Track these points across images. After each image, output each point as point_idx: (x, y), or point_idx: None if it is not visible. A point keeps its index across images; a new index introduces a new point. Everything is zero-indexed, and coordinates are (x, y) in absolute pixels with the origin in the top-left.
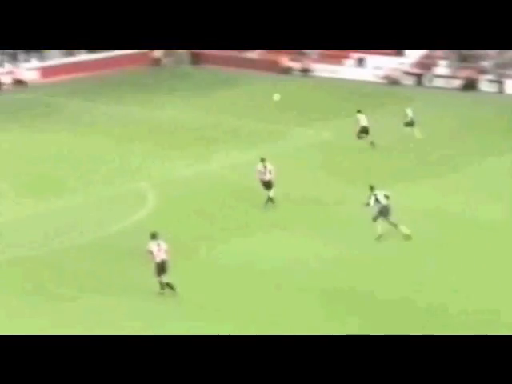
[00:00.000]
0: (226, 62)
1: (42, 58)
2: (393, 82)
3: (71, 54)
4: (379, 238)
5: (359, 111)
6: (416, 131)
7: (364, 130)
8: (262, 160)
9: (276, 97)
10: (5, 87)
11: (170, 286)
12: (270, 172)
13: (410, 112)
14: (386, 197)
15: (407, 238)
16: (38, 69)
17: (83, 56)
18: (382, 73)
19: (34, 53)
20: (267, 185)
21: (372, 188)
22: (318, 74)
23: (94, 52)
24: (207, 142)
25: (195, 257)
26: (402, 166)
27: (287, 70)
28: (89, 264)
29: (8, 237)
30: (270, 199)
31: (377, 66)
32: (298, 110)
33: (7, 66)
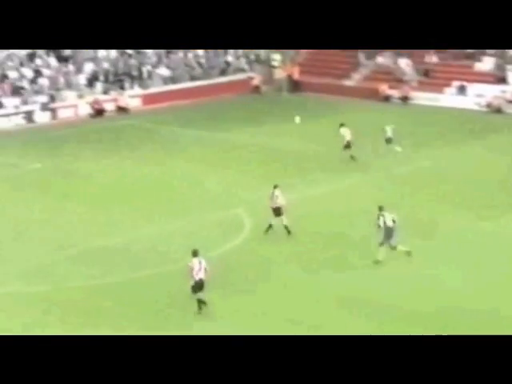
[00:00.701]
0: (325, 89)
1: (144, 86)
2: (495, 110)
3: (173, 82)
4: (377, 262)
5: (342, 125)
6: (396, 147)
7: (348, 145)
8: (275, 186)
9: (297, 120)
10: (108, 114)
11: (202, 302)
12: (277, 198)
13: (389, 130)
14: (393, 220)
15: (408, 254)
16: (140, 96)
17: (184, 84)
18: (483, 101)
19: (137, 80)
20: (276, 211)
21: (381, 208)
22: (417, 101)
23: (195, 80)
24: (304, 169)
25: (290, 284)
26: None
27: (386, 98)
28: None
29: (120, 258)
30: (273, 226)
31: (478, 93)
32: (397, 137)
33: (112, 94)
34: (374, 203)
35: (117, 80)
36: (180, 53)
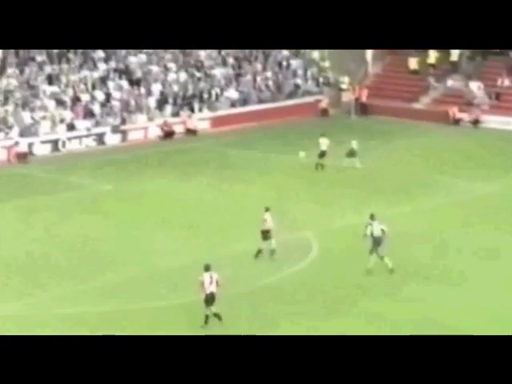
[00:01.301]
0: (394, 112)
1: (213, 108)
2: None
3: (241, 104)
4: (368, 272)
5: (322, 135)
6: (357, 162)
7: (322, 154)
8: (266, 209)
9: (301, 154)
10: (177, 136)
11: (217, 316)
12: (265, 222)
13: (354, 144)
14: (382, 231)
15: (391, 271)
16: (209, 118)
17: (252, 106)
18: None
19: (206, 103)
20: (264, 235)
21: (372, 217)
22: (488, 125)
23: (264, 102)
24: (375, 192)
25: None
26: None
27: (456, 121)
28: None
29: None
30: (260, 251)
31: None
32: (467, 162)
33: (181, 116)
34: (436, 227)
35: (186, 102)
36: (249, 75)
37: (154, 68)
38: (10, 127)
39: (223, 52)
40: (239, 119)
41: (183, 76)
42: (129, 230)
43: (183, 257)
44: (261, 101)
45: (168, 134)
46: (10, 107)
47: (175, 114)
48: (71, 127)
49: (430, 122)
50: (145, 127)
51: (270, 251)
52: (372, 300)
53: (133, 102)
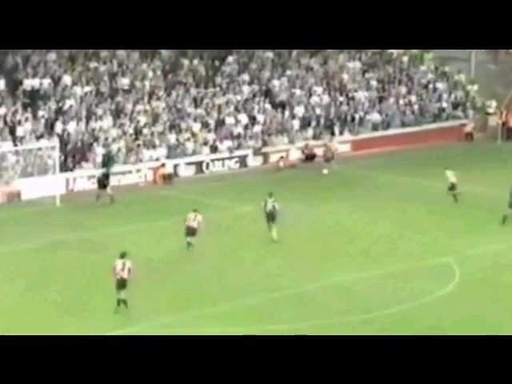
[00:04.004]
0: None
1: (354, 132)
2: None
3: (383, 128)
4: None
5: (269, 195)
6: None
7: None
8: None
9: (325, 171)
10: (318, 159)
11: (124, 302)
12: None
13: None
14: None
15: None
16: (350, 141)
17: (395, 130)
18: None
19: (347, 126)
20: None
21: (270, 195)
22: None
23: (407, 126)
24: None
25: None
26: None
27: None
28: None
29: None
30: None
31: None
32: None
33: (324, 139)
34: None
35: (328, 126)
36: (392, 98)
37: (297, 91)
38: (156, 148)
39: (367, 75)
40: (381, 143)
41: (326, 99)
42: (265, 251)
43: (323, 280)
44: (404, 124)
45: (309, 157)
46: (158, 129)
47: (316, 137)
48: (214, 149)
49: None
50: (286, 150)
51: None
52: None
53: (275, 125)
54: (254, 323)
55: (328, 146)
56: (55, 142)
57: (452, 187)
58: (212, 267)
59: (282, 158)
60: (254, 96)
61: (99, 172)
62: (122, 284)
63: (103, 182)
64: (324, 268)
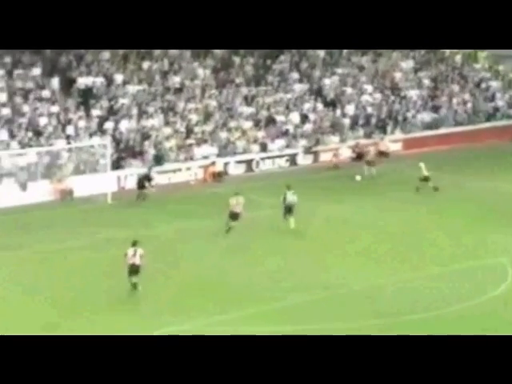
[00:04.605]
0: None
1: (406, 130)
2: None
3: (436, 127)
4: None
5: (288, 187)
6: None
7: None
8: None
9: (358, 178)
10: (369, 158)
11: (135, 286)
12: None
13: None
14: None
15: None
16: (401, 140)
17: (447, 129)
18: None
19: (399, 124)
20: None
21: (288, 187)
22: None
23: (459, 125)
24: None
25: None
26: None
27: None
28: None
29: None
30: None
31: None
32: None
33: (375, 138)
34: None
35: (379, 124)
36: (444, 97)
37: (348, 89)
38: (207, 146)
39: (419, 73)
40: (433, 142)
41: (377, 97)
42: (315, 250)
43: (371, 280)
44: (456, 123)
45: (360, 156)
46: (209, 127)
47: (367, 136)
48: (264, 148)
49: None
50: (336, 148)
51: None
52: None
53: (326, 124)
54: (312, 322)
55: (369, 147)
56: (107, 140)
57: (425, 179)
58: (260, 265)
59: (334, 155)
60: (305, 94)
61: (140, 172)
62: (133, 270)
63: (143, 183)
64: (380, 267)
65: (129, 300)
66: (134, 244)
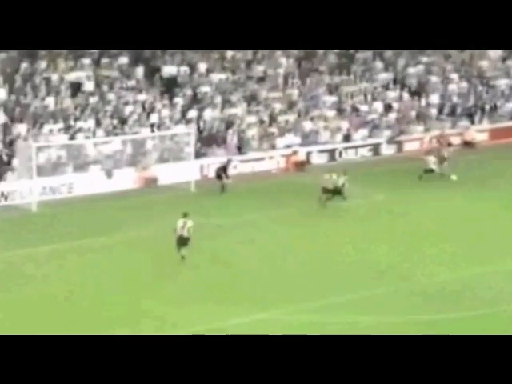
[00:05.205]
0: None
1: (494, 120)
2: None
3: None
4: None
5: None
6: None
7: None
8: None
9: (453, 177)
10: (454, 148)
11: (183, 257)
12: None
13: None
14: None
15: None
16: (488, 130)
17: None
18: None
19: (487, 114)
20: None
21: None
22: None
23: None
24: None
25: None
26: None
27: None
28: None
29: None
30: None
31: None
32: None
33: (460, 127)
34: None
35: (466, 114)
36: None
37: (433, 78)
38: (290, 135)
39: (508, 62)
40: None
41: (464, 86)
42: (399, 242)
43: (453, 272)
44: None
45: (445, 146)
46: (292, 117)
47: (453, 126)
48: (347, 137)
49: None
50: (420, 138)
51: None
52: None
53: (410, 113)
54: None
55: (441, 141)
56: (191, 128)
57: (430, 171)
58: (342, 255)
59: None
60: (389, 83)
61: (218, 163)
62: (182, 241)
63: (220, 174)
64: (447, 260)
65: (214, 288)
66: (185, 215)
